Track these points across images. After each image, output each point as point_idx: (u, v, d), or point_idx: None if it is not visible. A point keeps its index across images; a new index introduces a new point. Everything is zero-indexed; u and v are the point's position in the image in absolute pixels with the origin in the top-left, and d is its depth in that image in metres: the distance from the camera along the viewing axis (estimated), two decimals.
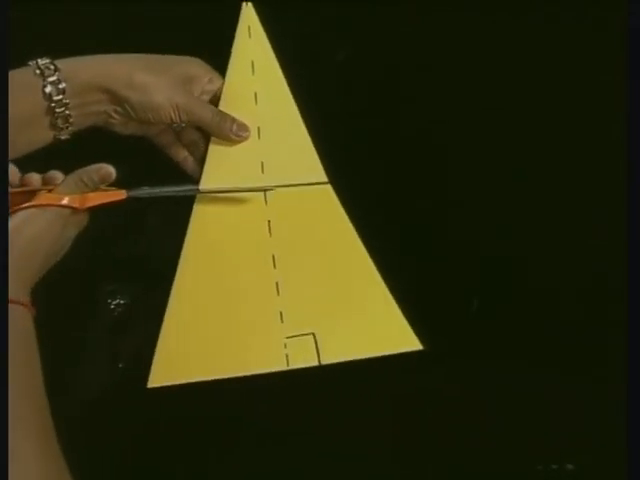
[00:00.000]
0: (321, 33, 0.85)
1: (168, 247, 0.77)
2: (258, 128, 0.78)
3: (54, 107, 0.71)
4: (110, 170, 0.71)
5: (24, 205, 0.68)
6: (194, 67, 0.77)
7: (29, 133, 0.71)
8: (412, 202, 0.82)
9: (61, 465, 0.60)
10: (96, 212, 0.72)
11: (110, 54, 0.74)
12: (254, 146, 0.78)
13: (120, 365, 0.78)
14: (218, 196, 0.77)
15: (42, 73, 0.70)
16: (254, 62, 0.79)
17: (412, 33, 0.85)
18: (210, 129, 0.77)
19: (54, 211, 0.69)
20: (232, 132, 0.77)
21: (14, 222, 0.67)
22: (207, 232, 0.77)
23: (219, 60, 0.78)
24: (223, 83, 0.78)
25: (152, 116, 0.74)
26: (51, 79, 0.70)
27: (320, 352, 0.75)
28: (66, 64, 0.71)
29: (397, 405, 0.76)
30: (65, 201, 0.70)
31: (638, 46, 0.71)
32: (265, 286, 0.76)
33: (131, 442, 0.75)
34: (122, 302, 0.80)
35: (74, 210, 0.70)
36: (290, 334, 0.75)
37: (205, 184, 0.77)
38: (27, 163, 0.72)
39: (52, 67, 0.70)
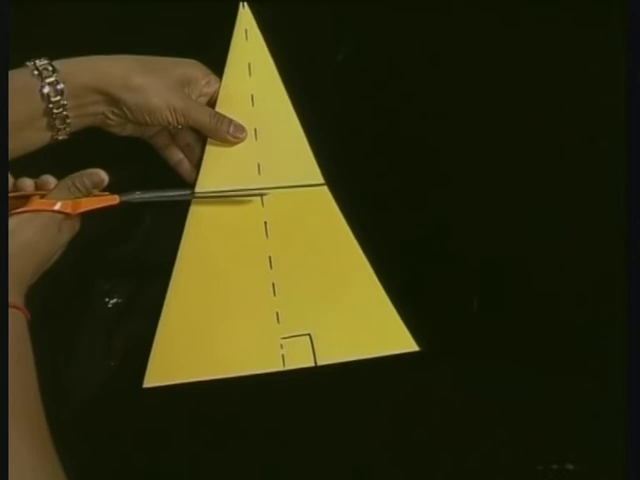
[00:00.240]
0: (318, 35, 0.85)
1: (167, 247, 0.77)
2: (255, 130, 0.79)
3: (52, 108, 0.71)
4: (102, 175, 0.71)
5: (17, 210, 0.68)
6: (192, 69, 0.77)
7: (26, 134, 0.71)
8: (409, 204, 0.82)
9: (56, 466, 0.60)
10: (93, 213, 0.72)
11: (108, 55, 0.74)
12: (251, 147, 0.78)
13: (118, 365, 0.77)
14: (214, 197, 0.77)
15: (40, 74, 0.70)
16: (251, 64, 0.80)
17: (410, 35, 0.85)
18: (207, 131, 0.77)
19: (47, 216, 0.69)
20: (229, 134, 0.77)
21: None
22: (203, 233, 0.77)
23: (216, 62, 0.78)
24: (220, 85, 0.78)
25: (149, 118, 0.74)
26: (49, 80, 0.70)
27: (316, 353, 0.75)
28: (64, 65, 0.72)
29: (394, 406, 0.76)
30: (57, 206, 0.70)
31: (638, 45, 0.71)
32: (261, 287, 0.76)
33: (126, 442, 0.75)
34: (119, 301, 0.80)
35: (67, 215, 0.70)
36: (286, 335, 0.75)
37: (201, 185, 0.77)
38: (22, 166, 0.72)
39: (50, 68, 0.71)
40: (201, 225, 0.77)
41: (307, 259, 0.77)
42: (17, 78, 0.70)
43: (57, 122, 0.72)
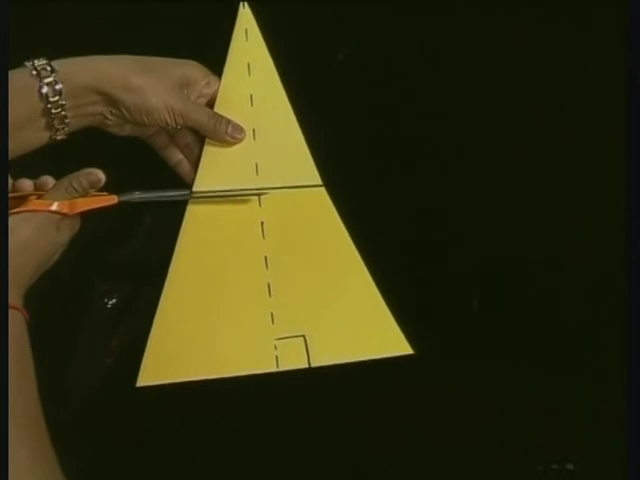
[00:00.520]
0: (318, 35, 0.85)
1: (167, 247, 0.77)
2: (253, 130, 0.79)
3: (50, 108, 0.71)
4: (99, 175, 0.72)
5: (13, 210, 0.69)
6: (191, 70, 0.77)
7: (25, 134, 0.72)
8: (406, 206, 0.82)
9: (54, 467, 0.60)
10: (92, 213, 0.73)
11: (107, 55, 0.74)
12: (249, 148, 0.79)
13: (115, 365, 0.78)
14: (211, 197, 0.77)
15: (38, 74, 0.70)
16: (250, 64, 0.80)
17: (410, 35, 0.85)
18: (205, 132, 0.77)
19: (44, 216, 0.70)
20: (227, 134, 0.77)
21: None
22: (200, 232, 0.77)
23: (216, 62, 0.78)
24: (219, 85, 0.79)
25: (147, 119, 0.74)
26: (47, 80, 0.70)
27: (310, 354, 0.75)
28: (62, 65, 0.72)
29: (393, 406, 0.76)
30: (54, 207, 0.70)
31: (638, 45, 0.71)
32: (257, 287, 0.76)
33: (124, 442, 0.75)
34: (118, 302, 0.80)
35: (64, 215, 0.70)
36: (280, 335, 0.76)
37: (199, 185, 0.78)
38: (21, 167, 0.72)
39: (49, 68, 0.71)
40: (198, 225, 0.77)
41: (303, 260, 0.77)
42: (16, 78, 0.70)
43: (56, 122, 0.72)
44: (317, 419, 0.75)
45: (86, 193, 0.72)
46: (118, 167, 0.74)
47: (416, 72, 0.85)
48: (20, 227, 0.68)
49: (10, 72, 0.70)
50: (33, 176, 0.72)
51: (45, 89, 0.70)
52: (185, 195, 0.77)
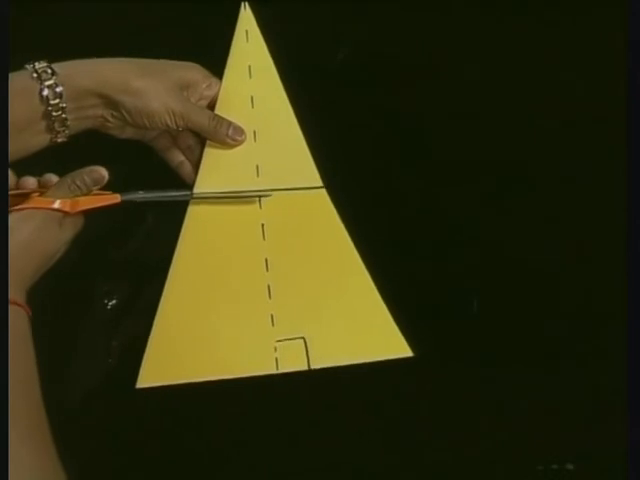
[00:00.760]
0: (319, 37, 0.84)
1: (168, 248, 0.77)
2: (254, 132, 0.79)
3: (51, 111, 0.71)
4: (102, 173, 0.71)
5: (15, 207, 0.68)
6: (192, 73, 0.77)
7: (26, 136, 0.72)
8: (407, 208, 0.82)
9: (56, 465, 0.60)
10: (94, 213, 0.73)
11: (107, 58, 0.74)
12: (250, 149, 0.79)
13: (116, 365, 0.78)
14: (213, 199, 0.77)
15: (39, 77, 0.70)
16: (251, 66, 0.80)
17: (410, 37, 0.85)
18: (206, 134, 0.77)
19: (45, 214, 0.69)
20: (228, 136, 0.77)
21: None
22: (201, 234, 0.77)
23: (216, 63, 0.78)
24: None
25: (147, 121, 0.74)
26: (48, 83, 0.70)
27: (310, 356, 0.75)
28: (63, 68, 0.72)
29: (390, 409, 0.76)
30: (56, 204, 0.70)
31: (638, 45, 0.71)
32: (257, 289, 0.76)
33: (124, 442, 0.75)
34: (119, 302, 0.80)
35: (66, 213, 0.70)
36: (280, 337, 0.76)
37: (200, 187, 0.78)
38: (24, 166, 0.72)
39: (49, 71, 0.71)
40: (199, 226, 0.77)
41: (303, 262, 0.77)
42: (16, 80, 0.70)
43: (56, 125, 0.72)
44: (317, 421, 0.75)
45: (89, 191, 0.71)
46: (121, 166, 0.74)
47: (417, 73, 0.85)
48: (22, 224, 0.68)
49: (10, 74, 0.70)
50: (37, 174, 0.72)
51: (46, 92, 0.70)
52: (187, 196, 0.77)
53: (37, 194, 0.70)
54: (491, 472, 0.75)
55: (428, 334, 0.77)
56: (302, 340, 0.75)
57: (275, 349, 0.75)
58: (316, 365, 0.75)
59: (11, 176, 0.70)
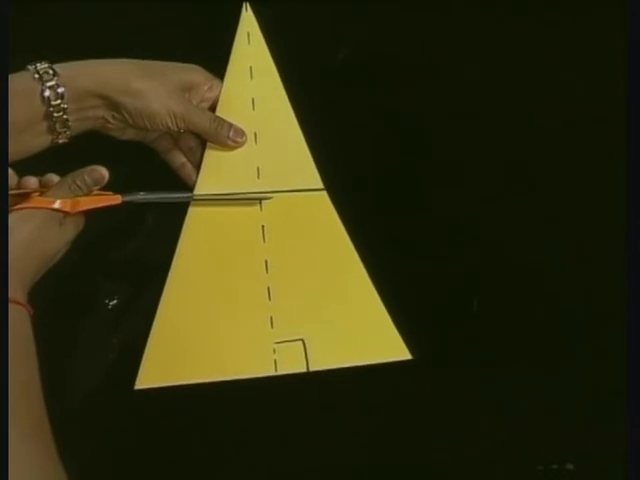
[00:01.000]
0: (320, 38, 0.84)
1: (169, 249, 0.77)
2: (255, 133, 0.79)
3: (52, 112, 0.71)
4: (103, 172, 0.71)
5: (15, 207, 0.68)
6: (194, 75, 0.77)
7: (27, 137, 0.72)
8: (408, 210, 0.82)
9: (57, 464, 0.60)
10: (95, 213, 0.73)
11: (109, 59, 0.75)
12: (250, 151, 0.79)
13: (115, 365, 0.78)
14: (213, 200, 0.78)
15: (41, 78, 0.70)
16: (252, 68, 0.80)
17: (410, 37, 0.85)
18: (207, 136, 0.77)
19: (45, 214, 0.69)
20: (229, 138, 0.77)
21: None
22: (201, 235, 0.77)
23: (218, 65, 0.78)
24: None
25: (148, 123, 0.74)
26: (49, 84, 0.70)
27: (309, 358, 0.75)
28: (64, 69, 0.72)
29: (388, 411, 0.76)
30: (56, 204, 0.70)
31: (638, 45, 0.71)
32: (257, 291, 0.76)
33: (124, 442, 0.75)
34: (120, 303, 0.80)
35: (66, 213, 0.70)
36: (279, 339, 0.76)
37: (201, 189, 0.78)
38: (25, 166, 0.72)
39: (51, 72, 0.71)
40: (199, 227, 0.77)
41: (303, 264, 0.77)
42: (18, 81, 0.70)
43: (57, 126, 0.72)
44: (315, 423, 0.75)
45: (90, 191, 0.71)
46: (122, 167, 0.74)
47: (417, 73, 0.85)
48: (20, 226, 0.68)
49: (12, 75, 0.70)
50: (39, 175, 0.72)
51: (47, 92, 0.70)
52: (188, 197, 0.77)
53: (38, 194, 0.70)
54: (491, 472, 0.75)
55: (428, 334, 0.77)
56: (301, 342, 0.75)
57: (274, 351, 0.75)
58: (315, 367, 0.75)
59: (12, 176, 0.70)
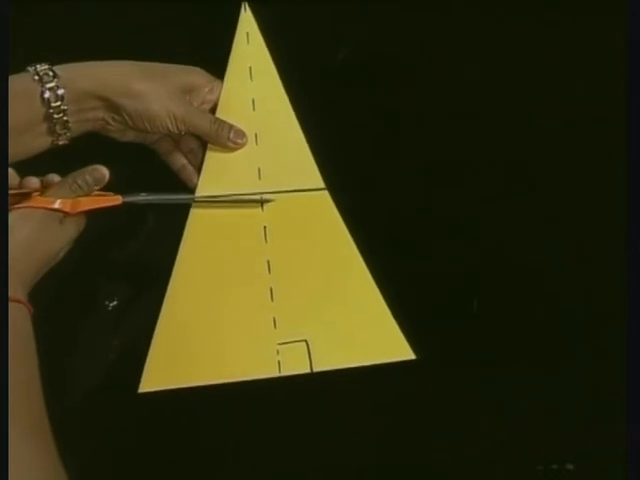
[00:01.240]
0: (318, 38, 0.84)
1: (168, 250, 0.77)
2: (255, 134, 0.79)
3: (52, 113, 0.71)
4: (103, 172, 0.71)
5: (14, 206, 0.68)
6: (194, 77, 0.77)
7: (27, 139, 0.72)
8: (410, 210, 0.82)
9: (57, 464, 0.60)
10: (96, 214, 0.73)
11: (109, 61, 0.75)
12: (251, 152, 0.79)
13: (119, 367, 0.78)
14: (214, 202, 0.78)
15: (41, 79, 0.70)
16: (252, 68, 0.80)
17: (411, 37, 0.85)
18: (207, 137, 0.77)
19: (45, 213, 0.69)
20: (229, 140, 0.77)
21: None
22: (203, 237, 0.77)
23: (217, 65, 0.78)
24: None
25: (148, 125, 0.74)
26: (49, 85, 0.70)
27: (312, 359, 0.75)
28: (64, 70, 0.72)
29: (392, 412, 0.76)
30: (56, 204, 0.70)
31: (638, 45, 0.71)
32: (259, 292, 0.76)
33: (124, 442, 0.75)
34: (120, 304, 0.80)
35: (66, 214, 0.70)
36: (283, 340, 0.75)
37: (202, 190, 0.78)
38: (27, 166, 0.72)
39: (51, 73, 0.71)
40: (201, 229, 0.77)
41: (306, 264, 0.77)
42: (18, 83, 0.70)
43: (57, 127, 0.72)
44: (319, 424, 0.75)
45: (90, 191, 0.71)
46: (123, 168, 0.74)
47: (417, 73, 0.85)
48: (20, 225, 0.68)
49: (12, 77, 0.70)
50: (40, 175, 0.72)
51: (47, 94, 0.70)
52: (189, 199, 0.77)
53: (38, 193, 0.70)
54: (491, 472, 0.75)
55: (430, 335, 0.76)
56: (304, 343, 0.75)
57: (277, 352, 0.75)
58: (318, 368, 0.75)
59: (14, 176, 0.70)
